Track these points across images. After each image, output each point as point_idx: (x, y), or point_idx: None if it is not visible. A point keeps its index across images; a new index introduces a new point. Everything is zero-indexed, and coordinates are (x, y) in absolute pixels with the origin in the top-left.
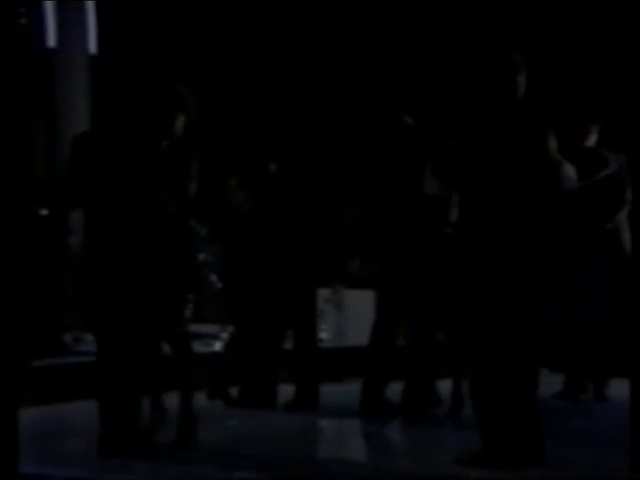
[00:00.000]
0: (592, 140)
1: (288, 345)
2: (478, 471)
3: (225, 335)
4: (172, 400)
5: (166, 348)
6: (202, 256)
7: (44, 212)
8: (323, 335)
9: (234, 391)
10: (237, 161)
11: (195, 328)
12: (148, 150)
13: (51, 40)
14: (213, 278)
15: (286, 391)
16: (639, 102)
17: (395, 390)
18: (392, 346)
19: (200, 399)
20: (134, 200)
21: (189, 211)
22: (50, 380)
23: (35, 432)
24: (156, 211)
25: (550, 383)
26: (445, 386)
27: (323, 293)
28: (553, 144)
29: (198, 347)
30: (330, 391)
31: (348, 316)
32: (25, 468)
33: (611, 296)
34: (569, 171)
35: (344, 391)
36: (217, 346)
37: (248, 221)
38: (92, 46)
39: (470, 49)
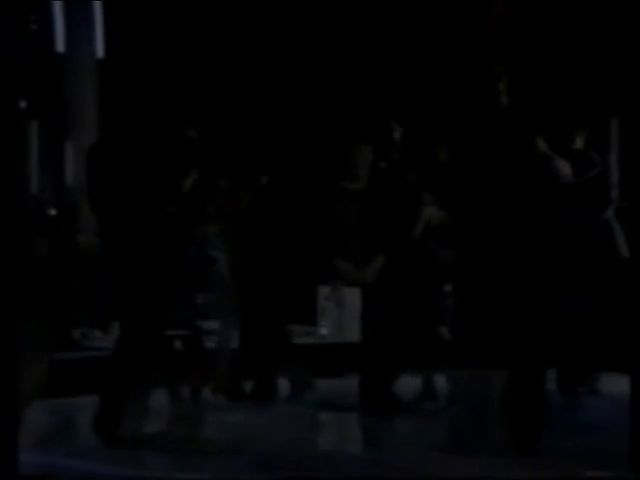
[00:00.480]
0: (579, 143)
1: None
2: (477, 469)
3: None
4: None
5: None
6: (213, 253)
7: (53, 212)
8: (324, 331)
9: (234, 386)
10: (228, 170)
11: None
12: (159, 153)
13: (60, 45)
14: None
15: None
16: (637, 104)
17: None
18: (384, 341)
19: (204, 394)
20: (146, 202)
21: (191, 210)
22: (58, 375)
23: (43, 425)
24: (163, 212)
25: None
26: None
27: (323, 290)
28: (541, 144)
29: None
30: (331, 386)
31: (348, 312)
32: (32, 460)
33: (604, 292)
34: (563, 166)
35: (344, 386)
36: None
37: (240, 224)
38: (100, 50)
39: (460, 61)
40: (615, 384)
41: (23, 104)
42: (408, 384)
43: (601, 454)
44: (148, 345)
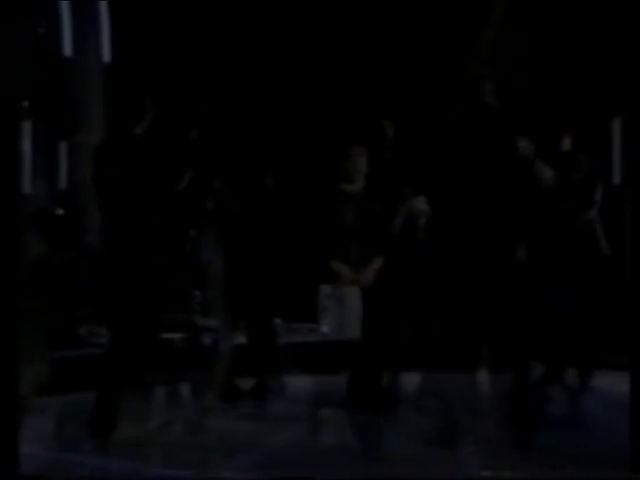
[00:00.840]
0: (566, 145)
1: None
2: (476, 468)
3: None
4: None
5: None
6: (209, 253)
7: (60, 212)
8: (325, 329)
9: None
10: (226, 171)
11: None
12: (161, 153)
13: (67, 49)
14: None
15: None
16: (637, 104)
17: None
18: (382, 340)
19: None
20: (146, 201)
21: (186, 209)
22: (65, 371)
23: (47, 423)
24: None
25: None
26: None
27: (325, 289)
28: (528, 147)
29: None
30: (331, 384)
31: (350, 311)
32: (34, 458)
33: (587, 290)
34: (545, 170)
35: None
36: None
37: (237, 225)
38: (106, 55)
39: (447, 62)
40: (615, 383)
41: (26, 105)
42: (406, 383)
43: (601, 454)
44: (141, 344)
